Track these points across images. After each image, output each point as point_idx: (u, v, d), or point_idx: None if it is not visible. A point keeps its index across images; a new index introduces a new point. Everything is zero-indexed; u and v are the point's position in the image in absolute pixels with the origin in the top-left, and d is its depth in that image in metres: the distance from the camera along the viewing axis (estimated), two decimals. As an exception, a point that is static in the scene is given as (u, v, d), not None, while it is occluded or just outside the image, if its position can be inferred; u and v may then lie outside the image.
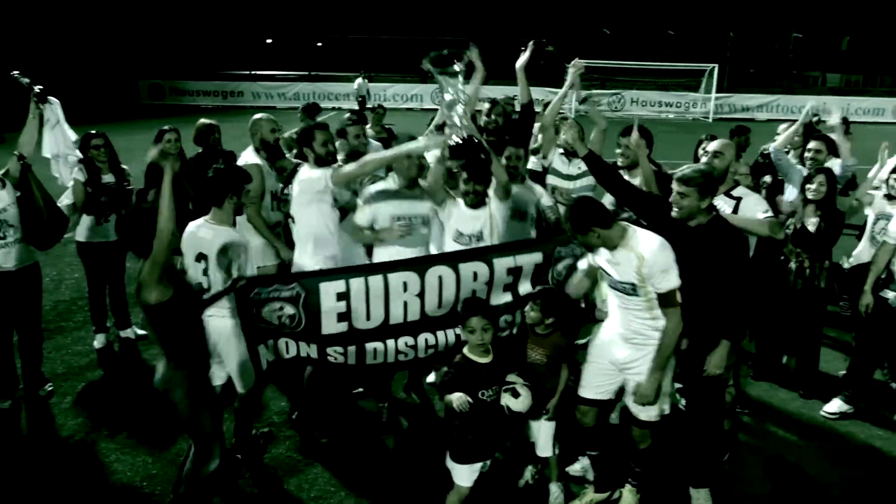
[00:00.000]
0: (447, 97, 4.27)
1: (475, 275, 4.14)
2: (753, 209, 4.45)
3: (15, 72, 5.14)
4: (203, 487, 3.67)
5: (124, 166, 5.98)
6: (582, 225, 3.51)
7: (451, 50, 4.31)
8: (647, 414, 3.75)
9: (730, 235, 3.79)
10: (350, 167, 4.53)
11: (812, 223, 5.03)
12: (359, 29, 47.63)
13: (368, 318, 4.06)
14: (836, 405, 5.14)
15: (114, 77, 29.91)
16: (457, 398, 3.45)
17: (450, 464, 3.68)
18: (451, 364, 3.66)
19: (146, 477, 4.23)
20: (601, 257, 3.64)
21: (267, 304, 3.93)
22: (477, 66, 4.88)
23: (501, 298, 4.26)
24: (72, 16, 32.63)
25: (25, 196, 4.87)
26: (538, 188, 5.18)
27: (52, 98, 5.23)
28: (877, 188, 5.55)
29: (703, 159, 4.61)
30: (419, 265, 4.14)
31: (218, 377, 4.18)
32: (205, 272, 4.01)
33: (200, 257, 4.01)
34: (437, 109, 5.64)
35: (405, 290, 4.06)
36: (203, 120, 6.40)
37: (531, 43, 5.46)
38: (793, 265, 5.14)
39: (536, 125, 6.13)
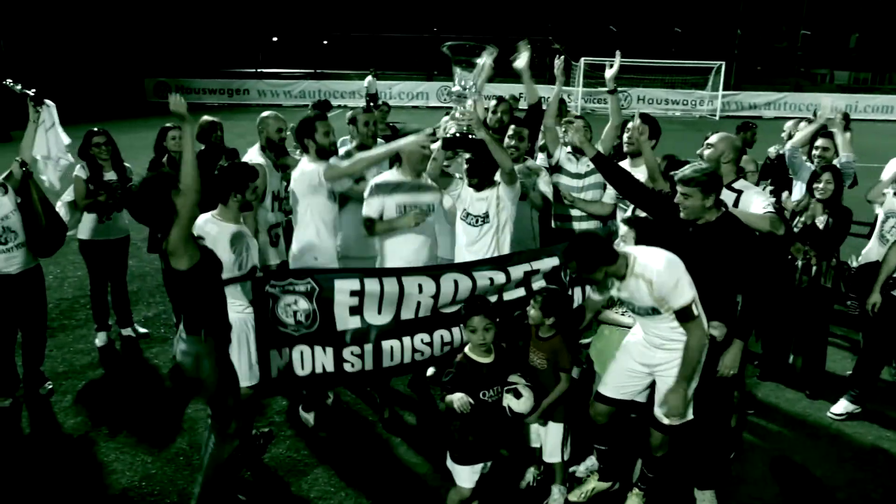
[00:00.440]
0: (456, 89, 4.26)
1: (491, 280, 4.24)
2: (754, 203, 4.26)
3: (8, 80, 5.12)
4: (226, 469, 3.65)
5: (127, 164, 5.96)
6: (590, 266, 3.46)
7: (474, 43, 4.27)
8: (671, 419, 3.70)
9: (740, 232, 3.75)
10: (342, 165, 4.61)
11: (820, 221, 5.05)
12: (364, 27, 47.69)
13: (380, 312, 4.10)
14: (842, 406, 5.09)
15: (120, 75, 30.04)
16: (458, 399, 3.41)
17: (451, 465, 3.63)
18: (453, 364, 3.61)
19: (145, 476, 4.21)
20: (614, 291, 3.63)
21: (282, 298, 3.96)
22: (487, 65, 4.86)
23: (514, 294, 4.36)
24: (78, 14, 32.77)
25: (25, 202, 4.86)
26: (543, 173, 5.23)
27: (47, 101, 5.19)
28: None
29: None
30: (435, 272, 4.20)
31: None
32: None
33: None
34: (442, 108, 5.60)
35: (420, 291, 4.12)
36: (206, 117, 6.37)
37: (524, 42, 5.40)
38: (799, 263, 5.11)
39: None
